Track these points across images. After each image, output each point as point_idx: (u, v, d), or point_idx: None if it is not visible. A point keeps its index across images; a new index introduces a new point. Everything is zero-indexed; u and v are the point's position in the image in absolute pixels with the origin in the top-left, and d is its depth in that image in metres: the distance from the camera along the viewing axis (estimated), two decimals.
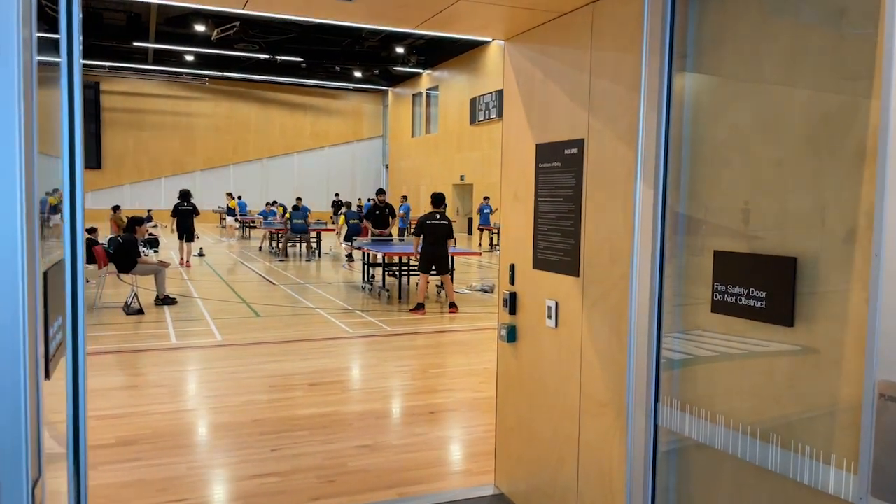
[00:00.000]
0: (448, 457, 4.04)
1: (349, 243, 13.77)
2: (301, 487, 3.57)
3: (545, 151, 3.10)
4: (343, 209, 16.93)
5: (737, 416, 2.06)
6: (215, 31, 24.93)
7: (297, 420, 4.65)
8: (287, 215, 17.05)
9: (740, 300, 2.02)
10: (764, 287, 1.95)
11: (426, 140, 32.13)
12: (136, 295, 9.05)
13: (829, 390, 1.82)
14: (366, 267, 11.57)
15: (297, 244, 17.84)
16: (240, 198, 28.47)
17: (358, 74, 32.76)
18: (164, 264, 9.63)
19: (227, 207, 20.42)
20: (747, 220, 2.04)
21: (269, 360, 6.44)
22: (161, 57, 29.81)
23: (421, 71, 31.28)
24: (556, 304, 3.00)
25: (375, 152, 38.51)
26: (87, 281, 11.39)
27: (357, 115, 37.94)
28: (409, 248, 10.90)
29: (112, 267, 9.32)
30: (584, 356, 2.80)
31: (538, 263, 3.16)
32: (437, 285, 11.38)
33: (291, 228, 16.59)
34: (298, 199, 17.81)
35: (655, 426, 2.36)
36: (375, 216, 13.43)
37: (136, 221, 9.37)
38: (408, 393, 5.41)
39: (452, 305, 9.50)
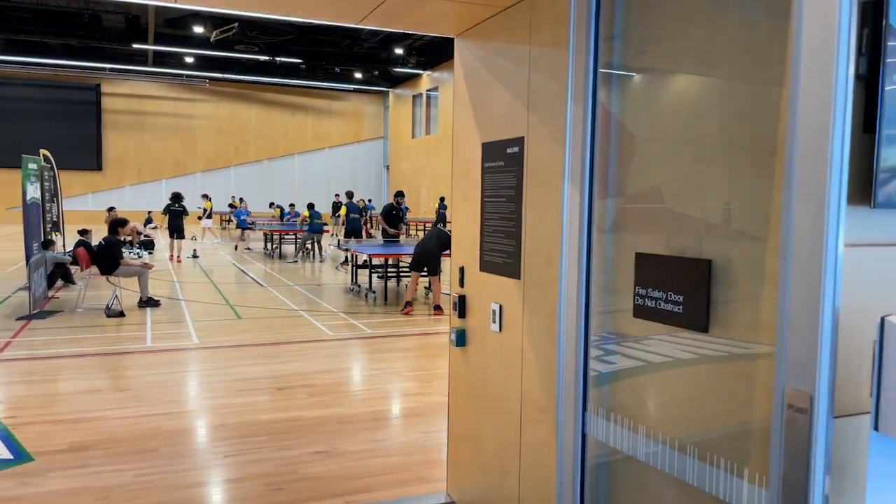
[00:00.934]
0: (404, 463, 3.95)
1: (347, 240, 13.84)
2: (247, 495, 3.48)
3: (490, 150, 3.00)
4: (345, 201, 16.92)
5: (657, 426, 1.96)
6: (214, 33, 24.91)
7: (256, 425, 4.56)
8: (306, 215, 17.12)
9: (659, 304, 1.92)
10: (680, 291, 1.85)
11: (426, 141, 32.06)
12: (117, 297, 8.99)
13: (743, 400, 1.72)
14: (354, 269, 11.49)
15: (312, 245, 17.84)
16: (241, 200, 28.44)
17: (358, 76, 32.72)
18: (147, 266, 9.56)
19: (203, 209, 20.24)
20: (667, 221, 1.94)
21: (241, 363, 6.36)
22: (161, 59, 29.83)
23: (421, 72, 31.22)
24: (500, 307, 2.91)
25: (376, 153, 38.47)
26: (74, 283, 11.36)
27: (358, 116, 37.91)
28: (396, 249, 10.81)
29: (96, 269, 9.26)
30: (525, 361, 2.71)
31: (484, 266, 3.06)
32: (425, 287, 11.29)
33: (310, 228, 16.65)
34: (311, 204, 17.95)
35: (584, 435, 2.26)
36: (392, 217, 13.31)
37: (119, 223, 9.31)
38: (376, 397, 5.31)
39: (438, 308, 9.41)
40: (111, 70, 31.37)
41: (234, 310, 9.33)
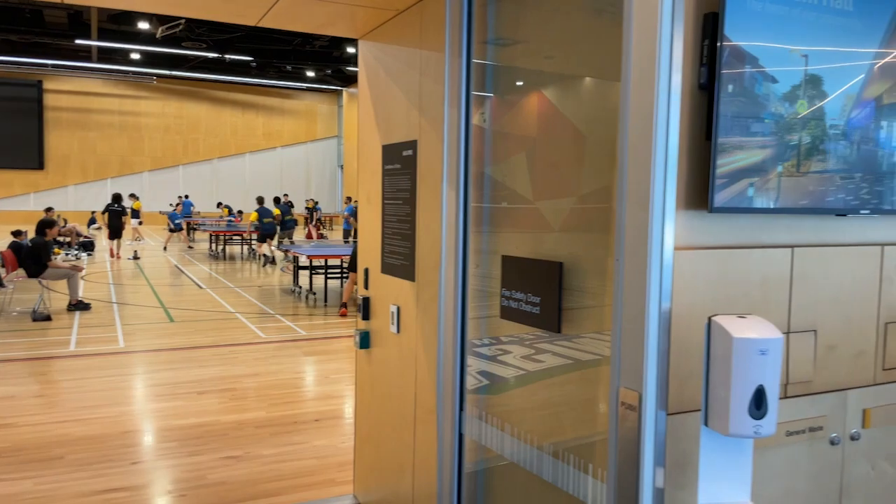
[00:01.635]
0: (318, 466, 3.93)
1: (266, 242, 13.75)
2: (150, 503, 3.42)
3: (389, 153, 3.01)
4: (256, 207, 16.57)
5: (519, 426, 2.00)
6: (160, 29, 24.35)
7: (170, 431, 4.48)
8: (253, 216, 16.73)
9: (521, 306, 1.96)
10: (537, 292, 1.89)
11: None
12: (43, 300, 8.71)
13: (591, 399, 1.76)
14: (296, 270, 11.38)
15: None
16: (186, 197, 27.88)
17: (311, 74, 32.39)
18: (76, 269, 9.30)
19: (132, 209, 19.57)
20: (527, 225, 1.98)
21: (165, 367, 6.23)
22: (106, 55, 29.02)
23: None
24: (398, 309, 2.92)
25: (330, 153, 38.15)
26: (3, 286, 10.97)
27: (311, 115, 37.54)
28: (336, 250, 10.74)
29: (22, 271, 8.96)
30: (418, 362, 2.73)
31: (385, 268, 3.07)
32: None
33: (263, 230, 16.29)
34: (260, 197, 17.66)
35: (461, 435, 2.28)
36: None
37: (47, 224, 9.03)
38: (299, 399, 5.28)
39: None
40: (54, 66, 30.40)
41: (167, 312, 9.15)
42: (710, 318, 1.60)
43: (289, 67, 31.03)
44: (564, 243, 1.84)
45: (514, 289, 1.98)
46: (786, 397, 1.91)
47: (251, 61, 29.37)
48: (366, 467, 3.31)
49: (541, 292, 1.88)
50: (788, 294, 1.89)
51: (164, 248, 19.67)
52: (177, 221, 20.59)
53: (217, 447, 4.18)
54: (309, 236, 20.62)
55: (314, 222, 23.07)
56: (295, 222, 17.48)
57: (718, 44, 1.71)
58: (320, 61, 29.14)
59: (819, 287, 1.94)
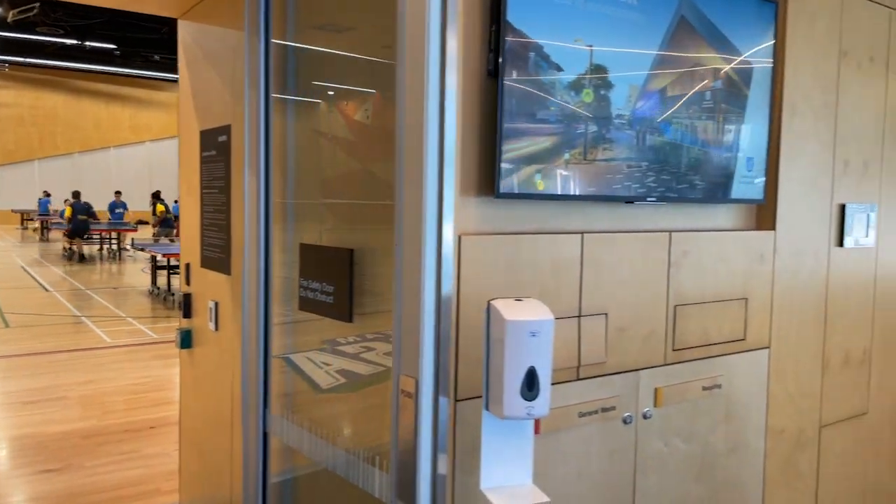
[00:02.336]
0: (144, 476, 3.68)
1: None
2: None
3: (206, 139, 2.85)
4: (72, 201, 15.42)
5: (316, 420, 1.93)
6: (11, 13, 22.25)
7: None
8: (68, 211, 15.33)
9: (317, 296, 1.89)
10: (332, 281, 1.83)
11: None
12: None
13: (380, 390, 1.72)
14: (154, 270, 10.74)
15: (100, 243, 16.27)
16: (47, 195, 25.75)
17: None
18: None
19: None
20: (325, 210, 1.92)
21: None
22: None
23: None
24: (216, 304, 2.77)
25: None
26: None
27: None
28: None
29: None
30: (235, 360, 2.59)
31: (204, 261, 2.91)
32: None
33: (73, 227, 14.97)
34: (76, 192, 16.20)
35: (265, 434, 2.19)
36: None
37: None
38: (137, 406, 4.95)
39: None
40: None
41: (2, 317, 8.34)
42: (488, 302, 1.59)
43: (157, 57, 29.32)
44: (356, 230, 1.79)
45: (310, 278, 1.91)
46: (578, 379, 1.96)
47: (114, 49, 27.49)
48: (191, 474, 3.13)
49: (334, 281, 1.81)
50: (579, 279, 1.94)
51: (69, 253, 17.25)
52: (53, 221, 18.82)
53: (36, 460, 3.82)
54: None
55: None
56: (87, 224, 15.81)
57: (502, 30, 1.72)
58: None
59: (609, 272, 2.00)
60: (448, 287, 1.54)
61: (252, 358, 2.18)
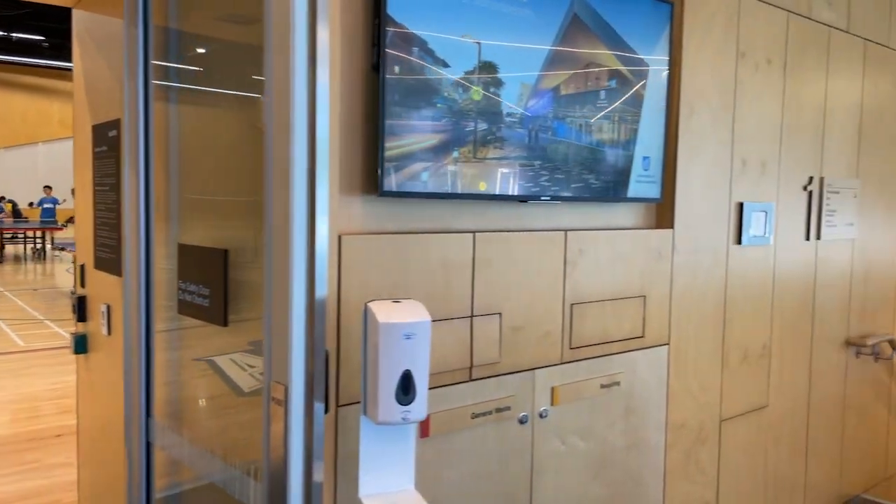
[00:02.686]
0: (44, 487, 3.50)
1: None
2: None
3: (98, 134, 2.71)
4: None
5: (194, 429, 1.85)
6: None
7: None
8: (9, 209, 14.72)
9: (195, 299, 1.80)
10: (207, 283, 1.75)
11: None
12: None
13: (254, 398, 1.66)
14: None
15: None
16: None
17: None
18: None
19: None
20: (205, 209, 1.84)
21: None
22: None
23: None
24: (108, 307, 2.64)
25: None
26: None
27: None
28: None
29: None
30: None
31: (97, 262, 2.77)
32: None
33: None
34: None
35: (149, 444, 2.09)
36: None
37: None
38: (45, 414, 4.72)
39: None
40: None
41: None
42: (365, 304, 1.55)
43: None
44: (235, 229, 1.72)
45: (188, 280, 1.83)
46: (472, 380, 1.94)
47: (42, 41, 26.34)
48: (89, 485, 2.99)
49: (210, 283, 1.74)
50: (471, 279, 1.91)
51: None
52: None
53: None
54: None
55: None
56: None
57: (382, 23, 1.67)
58: None
59: (503, 271, 1.98)
60: (323, 289, 1.48)
61: (134, 363, 2.08)
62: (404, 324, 1.48)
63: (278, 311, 1.47)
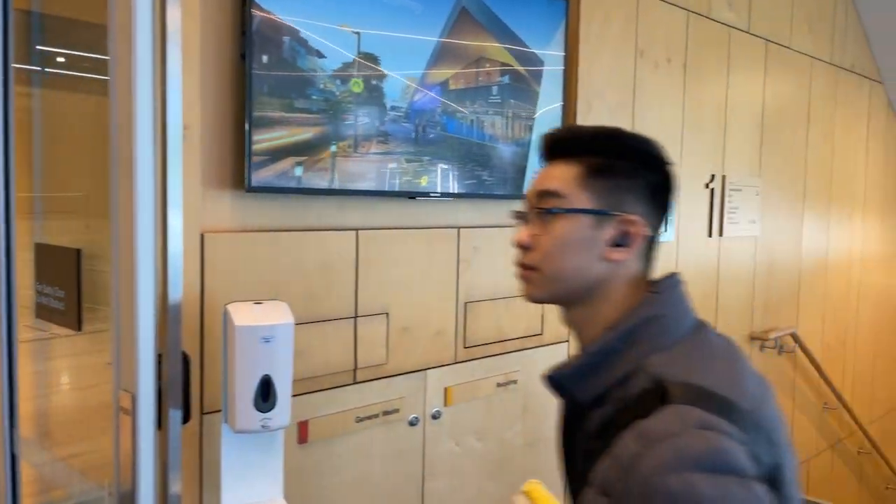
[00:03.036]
0: None
1: None
2: None
3: None
4: None
5: (61, 442, 1.74)
6: None
7: None
8: None
9: (51, 302, 1.69)
10: (62, 285, 1.63)
11: None
12: None
13: (95, 414, 1.56)
14: None
15: None
16: None
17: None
18: None
19: None
20: (63, 206, 1.72)
21: None
22: None
23: None
24: None
25: None
26: None
27: None
28: None
29: None
30: None
31: None
32: None
33: None
34: None
35: (14, 456, 1.95)
36: None
37: None
38: None
39: None
40: None
41: None
42: (225, 307, 1.47)
43: None
44: (90, 227, 1.61)
45: (44, 282, 1.71)
46: (356, 382, 1.87)
47: None
48: None
49: (64, 285, 1.62)
50: (355, 278, 1.85)
51: None
52: None
53: None
54: None
55: None
56: None
57: (248, 10, 1.59)
58: None
59: (390, 270, 1.92)
60: (178, 291, 1.39)
61: None
62: (262, 326, 1.41)
63: (124, 315, 1.37)
